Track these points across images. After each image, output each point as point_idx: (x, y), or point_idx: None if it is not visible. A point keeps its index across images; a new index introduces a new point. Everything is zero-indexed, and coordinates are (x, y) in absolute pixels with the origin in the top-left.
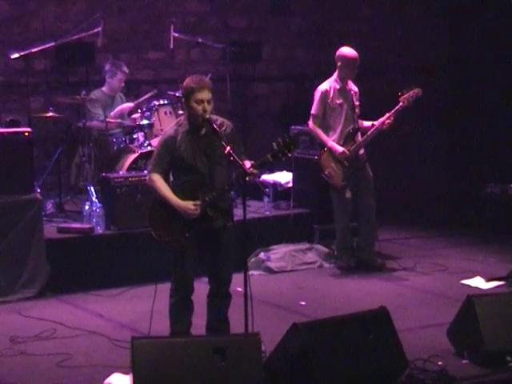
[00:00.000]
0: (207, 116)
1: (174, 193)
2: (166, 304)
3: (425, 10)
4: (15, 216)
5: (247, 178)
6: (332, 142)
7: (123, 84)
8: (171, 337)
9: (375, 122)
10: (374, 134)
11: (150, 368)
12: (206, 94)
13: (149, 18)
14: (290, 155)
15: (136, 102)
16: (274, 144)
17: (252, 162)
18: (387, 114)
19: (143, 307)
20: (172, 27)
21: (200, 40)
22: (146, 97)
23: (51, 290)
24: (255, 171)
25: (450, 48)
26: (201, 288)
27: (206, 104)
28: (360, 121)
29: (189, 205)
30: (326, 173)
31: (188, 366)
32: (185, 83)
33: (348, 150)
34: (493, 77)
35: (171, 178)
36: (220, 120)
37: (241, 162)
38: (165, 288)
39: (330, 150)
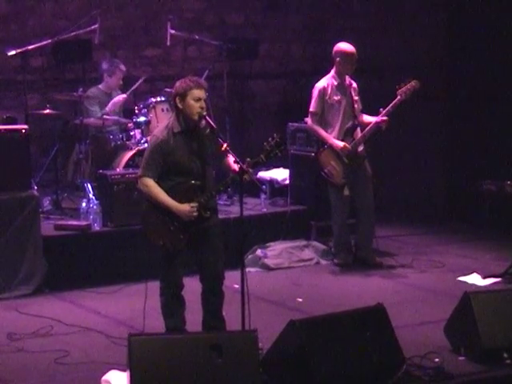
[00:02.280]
0: (204, 113)
1: None
2: None
3: (422, 6)
4: (12, 213)
5: (244, 177)
6: (332, 138)
7: (121, 82)
8: (168, 333)
9: (377, 118)
10: (372, 131)
11: (147, 365)
12: (203, 93)
13: (145, 15)
14: (280, 154)
15: (128, 93)
16: (266, 144)
17: (248, 159)
18: (386, 108)
19: (140, 304)
20: (169, 24)
21: (197, 37)
22: (136, 85)
23: (48, 286)
24: (250, 170)
25: (448, 44)
26: (195, 284)
27: (203, 102)
28: (363, 115)
29: (188, 207)
30: (326, 171)
31: (185, 363)
32: (180, 83)
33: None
34: (491, 73)
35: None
36: None
37: (238, 160)
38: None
39: (331, 146)
